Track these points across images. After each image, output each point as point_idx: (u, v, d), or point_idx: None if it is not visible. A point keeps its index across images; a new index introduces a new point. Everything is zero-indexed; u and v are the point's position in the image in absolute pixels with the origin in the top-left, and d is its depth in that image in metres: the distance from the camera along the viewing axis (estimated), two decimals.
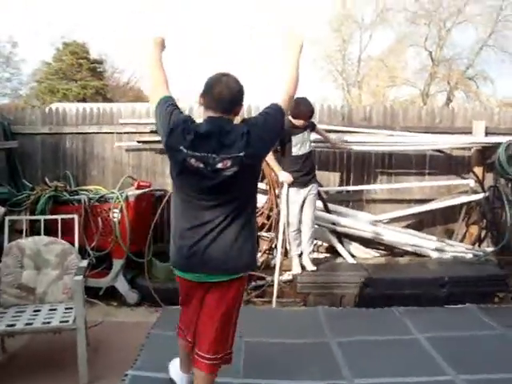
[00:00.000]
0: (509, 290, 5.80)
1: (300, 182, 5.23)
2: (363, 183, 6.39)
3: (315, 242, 6.08)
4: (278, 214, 5.76)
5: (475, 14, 26.01)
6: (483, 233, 6.46)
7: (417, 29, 27.15)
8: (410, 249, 6.12)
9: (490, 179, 6.37)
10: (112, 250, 5.44)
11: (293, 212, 5.29)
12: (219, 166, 2.51)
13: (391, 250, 6.22)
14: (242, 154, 2.51)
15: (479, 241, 6.44)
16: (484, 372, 3.57)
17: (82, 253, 5.06)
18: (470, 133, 6.35)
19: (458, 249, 6.16)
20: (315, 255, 6.16)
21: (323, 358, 3.87)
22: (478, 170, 6.34)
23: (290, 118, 5.07)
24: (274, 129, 2.70)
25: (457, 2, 26.05)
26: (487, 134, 6.33)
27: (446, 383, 3.45)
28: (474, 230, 6.40)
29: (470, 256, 6.08)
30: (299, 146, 5.17)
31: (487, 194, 6.21)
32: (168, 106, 2.70)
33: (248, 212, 2.71)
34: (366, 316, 4.84)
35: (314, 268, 5.41)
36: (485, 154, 6.34)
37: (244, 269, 2.74)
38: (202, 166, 2.52)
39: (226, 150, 2.52)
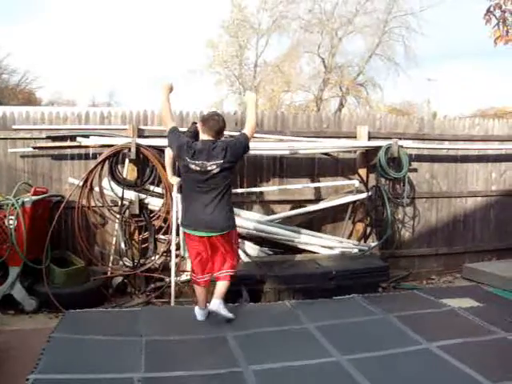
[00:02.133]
0: (390, 280, 6.36)
1: None
2: (256, 185, 6.66)
3: None
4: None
5: (364, 25, 27.54)
6: (368, 229, 6.96)
7: (311, 36, 28.23)
8: (301, 246, 6.48)
9: (372, 179, 6.90)
10: (8, 257, 5.35)
11: None
12: (208, 168, 4.37)
13: (284, 248, 6.52)
14: (221, 161, 4.37)
15: (365, 237, 6.91)
16: (365, 351, 3.98)
17: None
18: (355, 137, 6.86)
19: (346, 245, 6.62)
20: None
21: (220, 350, 4.10)
22: (362, 172, 6.83)
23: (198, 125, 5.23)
24: (240, 147, 4.55)
25: (347, 14, 27.44)
26: (370, 138, 6.87)
27: (332, 364, 3.82)
28: (360, 226, 6.87)
29: (356, 251, 6.57)
30: None
31: (370, 193, 6.72)
32: (175, 133, 4.60)
33: (227, 195, 4.52)
34: (261, 310, 5.14)
35: None
36: (368, 156, 6.86)
37: (229, 228, 4.55)
38: (198, 168, 4.38)
39: (213, 159, 4.37)
